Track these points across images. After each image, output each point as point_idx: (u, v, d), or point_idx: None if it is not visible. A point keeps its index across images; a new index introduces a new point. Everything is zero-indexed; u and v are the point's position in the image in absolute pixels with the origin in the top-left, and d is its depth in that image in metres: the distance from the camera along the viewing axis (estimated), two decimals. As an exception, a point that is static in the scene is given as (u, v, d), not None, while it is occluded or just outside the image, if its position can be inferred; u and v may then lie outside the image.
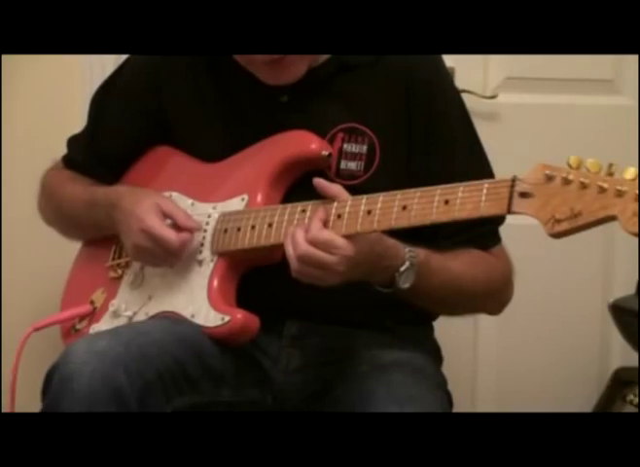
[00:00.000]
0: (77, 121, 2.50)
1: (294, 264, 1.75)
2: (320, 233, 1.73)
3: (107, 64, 2.61)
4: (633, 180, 1.51)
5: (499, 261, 2.00)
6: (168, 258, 1.96)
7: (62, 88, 2.67)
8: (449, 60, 2.59)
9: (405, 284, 1.81)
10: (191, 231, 1.96)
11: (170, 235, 1.93)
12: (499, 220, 1.96)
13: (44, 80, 2.65)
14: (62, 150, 2.28)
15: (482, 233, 1.96)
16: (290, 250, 1.75)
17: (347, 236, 1.74)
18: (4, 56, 2.43)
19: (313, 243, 1.72)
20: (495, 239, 2.01)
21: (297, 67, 1.95)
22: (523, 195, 1.61)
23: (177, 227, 1.95)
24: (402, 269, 1.79)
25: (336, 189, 1.80)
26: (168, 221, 1.95)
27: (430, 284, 1.84)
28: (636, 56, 2.84)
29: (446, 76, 2.10)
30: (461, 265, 1.92)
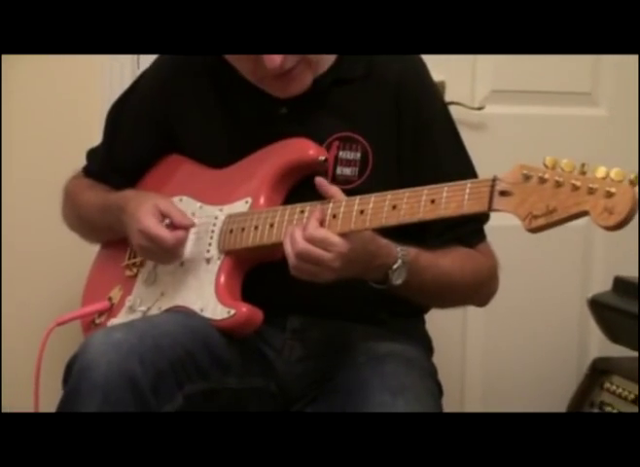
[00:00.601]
0: (97, 118, 2.52)
1: (292, 260, 1.75)
2: (317, 231, 1.73)
3: (125, 64, 2.61)
4: (604, 178, 1.51)
5: (485, 257, 2.00)
6: (166, 255, 1.96)
7: (84, 86, 2.65)
8: (440, 75, 2.63)
9: (397, 281, 1.81)
10: (185, 228, 1.97)
11: (164, 234, 1.94)
12: (483, 219, 1.98)
13: (65, 79, 2.63)
14: (83, 147, 2.30)
15: (468, 231, 1.97)
16: (288, 248, 1.76)
17: (342, 235, 1.74)
18: (25, 57, 2.38)
19: (310, 241, 1.73)
20: (480, 237, 2.01)
21: (303, 79, 1.95)
22: (503, 193, 1.61)
23: (174, 225, 1.96)
24: (394, 266, 1.80)
25: (333, 189, 1.81)
26: (167, 220, 1.96)
27: (421, 280, 1.85)
28: (612, 71, 2.86)
29: (433, 88, 2.10)
30: (450, 261, 1.92)
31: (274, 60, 1.85)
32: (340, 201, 1.80)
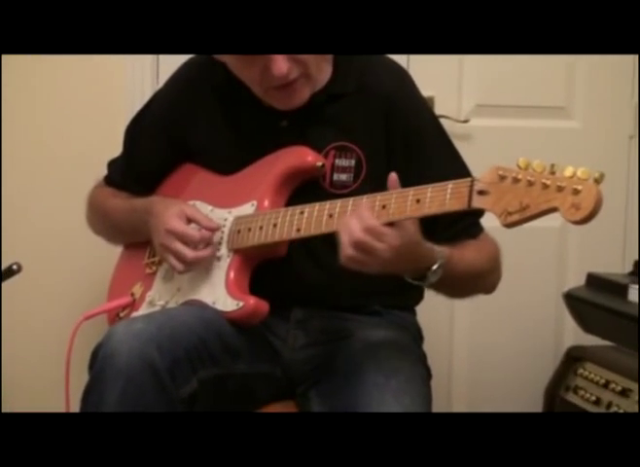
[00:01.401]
0: (121, 114, 2.56)
1: (347, 249, 1.69)
2: (375, 222, 1.68)
3: (145, 64, 2.63)
4: (571, 177, 1.52)
5: (490, 243, 2.00)
6: (186, 254, 1.94)
7: (110, 84, 2.66)
8: (429, 90, 2.64)
9: (433, 279, 1.78)
10: (212, 230, 1.97)
11: (192, 232, 1.94)
12: (479, 213, 1.95)
13: (93, 77, 2.63)
14: (109, 142, 2.33)
15: (469, 224, 1.97)
16: (345, 237, 1.69)
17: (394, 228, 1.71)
18: (53, 57, 2.39)
19: (368, 231, 1.67)
20: (480, 228, 2.00)
21: (302, 93, 1.95)
22: (481, 192, 1.61)
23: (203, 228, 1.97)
24: (434, 267, 1.76)
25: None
26: (193, 225, 1.96)
27: (452, 276, 1.81)
28: (584, 87, 2.86)
29: (420, 100, 2.09)
30: (471, 251, 1.91)
31: (282, 68, 1.86)
32: (335, 202, 1.80)
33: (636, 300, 2.14)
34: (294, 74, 1.90)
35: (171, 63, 2.38)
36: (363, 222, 1.68)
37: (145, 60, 2.62)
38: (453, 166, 2.00)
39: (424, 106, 2.11)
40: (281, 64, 1.86)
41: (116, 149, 2.26)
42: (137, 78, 2.63)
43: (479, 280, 1.97)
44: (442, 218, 1.76)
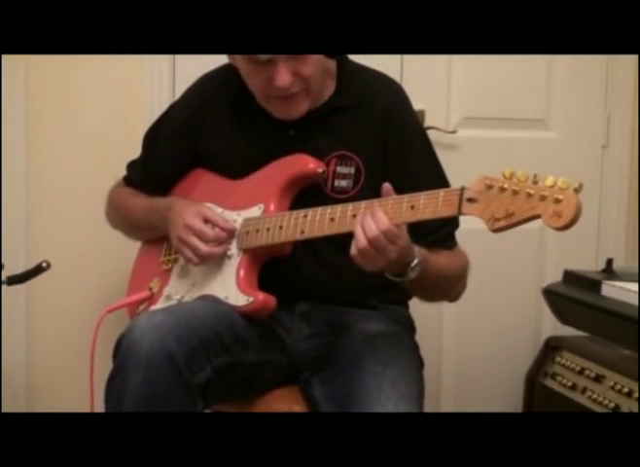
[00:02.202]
0: (141, 110, 2.59)
1: (362, 244, 1.69)
2: (390, 225, 1.69)
3: (163, 64, 2.61)
4: (552, 187, 1.53)
5: (461, 256, 2.00)
6: (201, 248, 1.94)
7: (129, 85, 2.64)
8: (420, 104, 2.64)
9: (412, 275, 1.78)
10: (228, 232, 1.96)
11: (207, 230, 1.95)
12: (455, 226, 1.98)
13: (112, 80, 2.62)
14: (127, 145, 2.33)
15: (445, 235, 1.97)
16: (361, 234, 1.70)
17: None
18: (76, 61, 2.38)
19: (384, 233, 1.68)
20: (454, 241, 2.01)
21: (301, 106, 1.96)
22: (470, 200, 1.62)
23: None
24: (412, 264, 1.77)
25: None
26: (209, 225, 1.96)
27: (427, 276, 1.82)
28: (561, 101, 2.86)
29: (413, 115, 2.10)
30: (444, 260, 1.91)
31: (284, 80, 1.87)
32: (336, 207, 1.80)
33: (608, 294, 2.13)
34: (295, 88, 1.91)
35: (187, 63, 2.46)
36: (381, 224, 1.69)
37: (163, 60, 2.60)
38: (436, 178, 2.01)
39: (415, 120, 2.12)
40: (284, 76, 1.87)
41: (135, 148, 2.26)
42: (155, 77, 2.61)
43: (447, 285, 1.98)
44: (421, 227, 1.78)
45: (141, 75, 2.61)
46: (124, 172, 2.27)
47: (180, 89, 2.52)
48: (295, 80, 1.89)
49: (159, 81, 2.61)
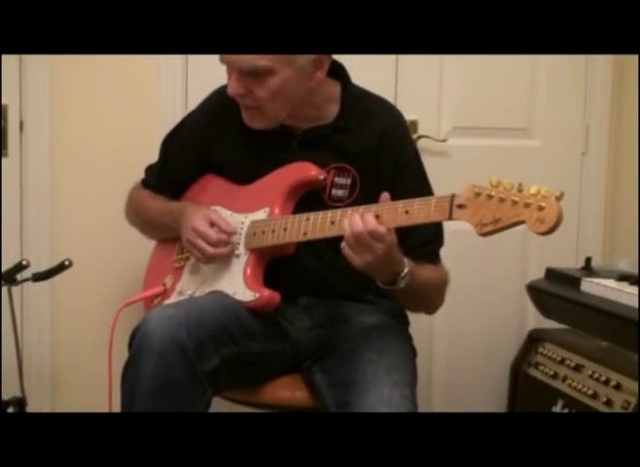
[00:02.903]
0: (156, 108, 2.58)
1: (347, 235, 1.72)
2: (378, 227, 1.70)
3: (176, 64, 2.59)
4: (536, 195, 1.53)
5: (443, 272, 2.01)
6: (207, 250, 1.95)
7: (146, 79, 2.61)
8: (413, 115, 2.64)
9: (402, 284, 1.80)
10: (229, 234, 1.97)
11: (211, 233, 1.95)
12: (439, 244, 2.01)
13: (131, 75, 2.59)
14: (145, 146, 2.35)
15: (430, 251, 1.98)
16: (347, 227, 1.72)
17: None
18: (99, 57, 2.32)
19: (370, 234, 1.70)
20: (438, 258, 2.02)
21: (255, 120, 1.99)
22: (460, 206, 1.62)
23: (221, 231, 1.97)
24: (403, 273, 1.79)
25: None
26: (215, 228, 1.96)
27: (413, 285, 1.83)
28: (543, 112, 2.85)
29: (408, 138, 2.12)
30: (428, 273, 1.92)
31: (232, 87, 1.92)
32: (336, 211, 1.81)
33: (587, 290, 2.13)
34: (247, 102, 1.95)
35: (198, 62, 2.48)
36: (368, 224, 1.70)
37: (176, 60, 2.58)
38: (424, 193, 1.97)
39: (410, 143, 2.13)
40: (233, 84, 1.92)
41: (151, 145, 2.27)
42: (170, 75, 2.59)
43: (429, 296, 1.99)
44: (409, 243, 1.80)
45: (156, 73, 2.58)
46: (141, 171, 2.27)
47: (192, 86, 2.56)
48: (246, 95, 1.92)
49: (172, 78, 2.59)
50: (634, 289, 1.86)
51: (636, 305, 1.80)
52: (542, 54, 2.70)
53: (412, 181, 2.02)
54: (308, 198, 1.99)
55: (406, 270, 1.79)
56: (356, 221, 1.71)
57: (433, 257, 1.99)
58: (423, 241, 1.92)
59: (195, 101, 2.27)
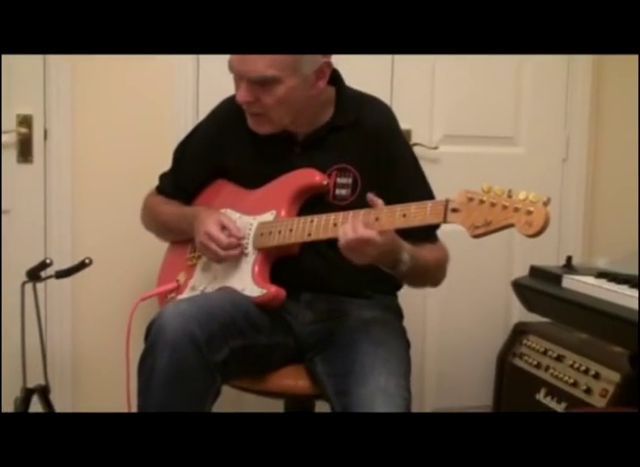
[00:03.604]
0: (170, 107, 2.56)
1: (341, 244, 1.73)
2: (365, 233, 1.71)
3: (188, 64, 2.57)
4: (524, 200, 1.53)
5: (440, 250, 2.00)
6: (219, 252, 1.95)
7: (160, 78, 2.59)
8: (407, 124, 2.65)
9: (404, 269, 1.80)
10: (238, 238, 1.97)
11: (222, 237, 1.95)
12: (437, 225, 1.95)
13: (145, 74, 2.58)
14: (161, 142, 2.39)
15: (429, 233, 1.96)
16: (340, 236, 1.73)
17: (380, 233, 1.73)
18: (118, 57, 2.30)
19: (360, 240, 1.71)
20: (436, 237, 2.01)
21: (262, 126, 1.98)
22: (454, 210, 1.62)
23: (230, 235, 1.97)
24: (404, 260, 1.79)
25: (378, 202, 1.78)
26: (226, 232, 1.96)
27: (415, 266, 1.83)
28: (527, 121, 2.85)
29: (400, 134, 2.10)
30: (427, 252, 1.91)
31: (242, 96, 1.91)
32: (339, 214, 1.80)
33: (568, 287, 2.12)
34: (255, 109, 1.94)
35: (209, 62, 2.48)
36: (356, 232, 1.71)
37: (188, 60, 2.56)
38: (420, 185, 2.02)
39: (402, 136, 2.12)
40: (243, 93, 1.91)
41: (165, 155, 2.25)
42: (182, 73, 2.57)
43: (430, 273, 1.98)
44: (410, 228, 1.78)
45: (170, 72, 2.57)
46: (156, 176, 2.26)
47: (203, 84, 2.56)
48: (254, 102, 1.91)
49: (185, 76, 2.57)
50: (613, 286, 1.85)
51: (615, 300, 1.79)
52: (529, 54, 2.69)
53: (407, 173, 2.02)
54: (314, 199, 1.99)
55: (406, 258, 1.79)
56: (346, 230, 1.72)
57: (432, 237, 1.99)
58: (423, 227, 1.84)
59: (205, 104, 2.29)
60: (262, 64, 1.86)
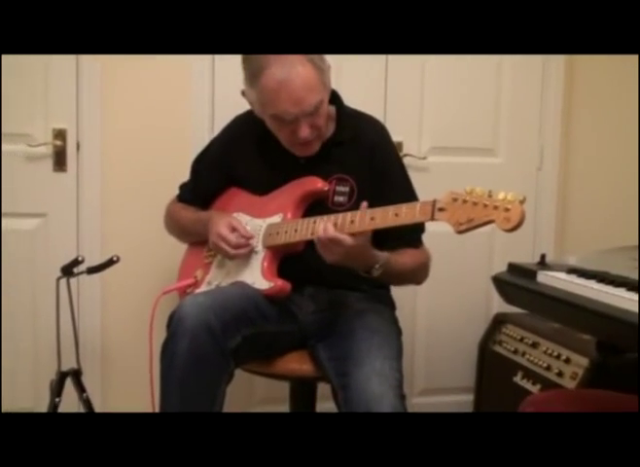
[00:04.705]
0: (188, 107, 2.54)
1: (318, 242, 1.76)
2: (335, 235, 1.74)
3: (205, 64, 2.54)
4: (503, 199, 1.53)
5: (423, 254, 2.01)
6: (229, 251, 1.96)
7: (178, 77, 2.56)
8: (399, 137, 2.64)
9: (376, 274, 1.81)
10: (247, 238, 1.97)
11: (231, 237, 1.95)
12: (421, 231, 2.00)
13: (164, 73, 2.55)
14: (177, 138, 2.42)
15: (413, 238, 1.98)
16: (316, 238, 1.76)
17: (351, 235, 1.75)
18: (143, 56, 2.28)
19: (331, 240, 1.74)
20: (420, 242, 2.02)
21: (315, 147, 1.97)
22: (440, 209, 1.61)
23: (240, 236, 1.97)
24: (376, 266, 1.80)
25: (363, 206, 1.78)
26: (236, 233, 1.96)
27: (390, 272, 1.84)
28: (505, 134, 2.84)
29: (393, 148, 2.11)
30: (406, 258, 1.92)
31: (305, 133, 1.88)
32: (338, 215, 1.80)
33: (542, 281, 2.11)
34: (311, 136, 1.91)
35: (224, 61, 2.44)
36: (327, 232, 1.74)
37: (204, 60, 2.54)
38: (407, 192, 2.02)
39: (395, 152, 2.12)
40: (306, 129, 1.88)
41: (184, 164, 2.25)
42: (199, 73, 2.55)
43: (409, 276, 1.98)
44: (397, 232, 1.78)
45: (188, 71, 2.54)
46: (175, 183, 2.26)
47: (218, 82, 2.54)
48: (312, 130, 1.90)
49: (201, 74, 2.55)
50: (583, 281, 1.83)
51: (584, 293, 1.78)
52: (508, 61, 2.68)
53: (398, 183, 2.02)
54: (315, 204, 1.98)
55: (379, 264, 1.80)
56: (319, 229, 1.74)
57: (416, 242, 2.00)
58: (408, 231, 1.89)
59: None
60: (310, 95, 1.84)
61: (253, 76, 1.86)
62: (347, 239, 1.73)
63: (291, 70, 1.81)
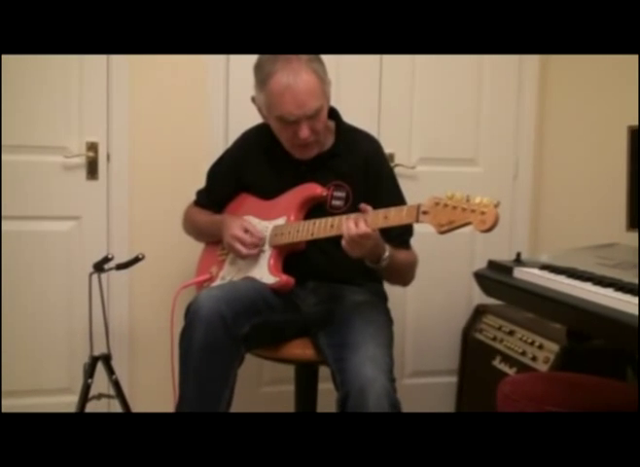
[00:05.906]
0: (204, 104, 2.50)
1: (346, 238, 1.71)
2: (367, 230, 1.69)
3: (219, 64, 2.50)
4: (479, 203, 1.52)
5: (412, 255, 2.00)
6: (242, 250, 1.94)
7: (195, 76, 2.52)
8: (391, 148, 2.62)
9: (384, 264, 1.80)
10: (258, 238, 1.96)
11: (246, 238, 1.94)
12: (410, 234, 1.99)
13: (183, 71, 2.50)
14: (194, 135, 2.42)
15: (404, 240, 1.97)
16: (345, 232, 1.71)
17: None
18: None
19: (360, 234, 1.70)
20: (409, 244, 2.01)
21: (314, 150, 1.95)
22: (424, 212, 1.61)
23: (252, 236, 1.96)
24: (385, 255, 1.79)
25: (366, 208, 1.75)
26: (248, 234, 1.95)
27: (392, 264, 1.82)
28: (485, 146, 2.82)
29: (385, 159, 2.10)
30: (402, 255, 1.91)
31: (306, 133, 1.86)
32: (335, 218, 1.80)
33: (518, 276, 2.10)
34: (311, 139, 1.89)
35: (239, 60, 2.41)
36: (359, 229, 1.69)
37: (219, 60, 2.51)
38: (397, 197, 2.00)
39: (386, 163, 2.11)
40: (306, 131, 1.87)
41: (200, 174, 2.24)
42: (214, 72, 2.51)
43: (404, 273, 1.97)
44: (388, 234, 1.78)
45: (204, 70, 2.51)
46: (193, 189, 2.25)
47: (232, 80, 2.50)
48: (311, 133, 1.88)
49: (216, 72, 2.51)
50: (554, 276, 1.82)
51: (555, 287, 1.76)
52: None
53: (389, 190, 2.01)
54: (316, 208, 1.98)
55: (386, 254, 1.78)
56: (350, 226, 1.71)
57: (406, 244, 1.98)
58: (399, 233, 1.89)
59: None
60: (312, 100, 1.84)
61: (262, 81, 1.86)
62: (373, 233, 1.71)
63: (296, 77, 1.81)
